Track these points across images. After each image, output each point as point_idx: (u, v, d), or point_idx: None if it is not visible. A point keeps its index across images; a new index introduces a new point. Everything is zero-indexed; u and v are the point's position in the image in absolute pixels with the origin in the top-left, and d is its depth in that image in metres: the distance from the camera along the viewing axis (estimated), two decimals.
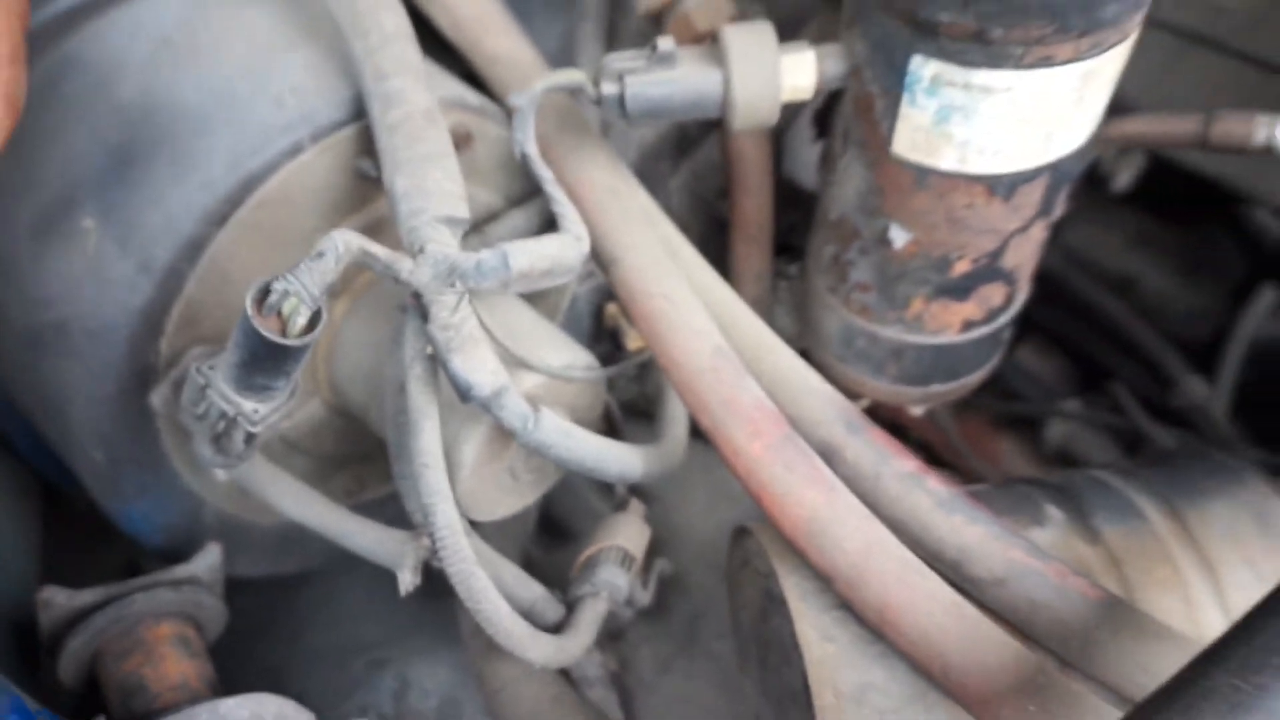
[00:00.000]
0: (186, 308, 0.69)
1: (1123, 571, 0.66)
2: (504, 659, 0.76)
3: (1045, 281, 1.23)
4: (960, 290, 0.76)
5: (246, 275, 0.70)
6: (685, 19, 0.79)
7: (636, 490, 0.91)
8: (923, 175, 0.67)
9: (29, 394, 0.77)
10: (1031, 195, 0.69)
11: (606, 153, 0.78)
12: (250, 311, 0.54)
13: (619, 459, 0.71)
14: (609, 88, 0.68)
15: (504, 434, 0.70)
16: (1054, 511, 0.69)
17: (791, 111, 0.80)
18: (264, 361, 0.57)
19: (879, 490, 0.64)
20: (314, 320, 0.55)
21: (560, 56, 0.98)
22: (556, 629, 0.75)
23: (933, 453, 1.31)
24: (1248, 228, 1.15)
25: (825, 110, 0.94)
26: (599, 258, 0.73)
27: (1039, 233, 0.74)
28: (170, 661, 0.68)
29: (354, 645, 0.94)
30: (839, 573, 0.60)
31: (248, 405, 0.60)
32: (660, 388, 0.87)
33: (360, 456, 0.91)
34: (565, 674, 0.80)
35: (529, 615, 0.72)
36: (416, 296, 0.63)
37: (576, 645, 0.71)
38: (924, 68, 0.61)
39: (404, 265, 0.61)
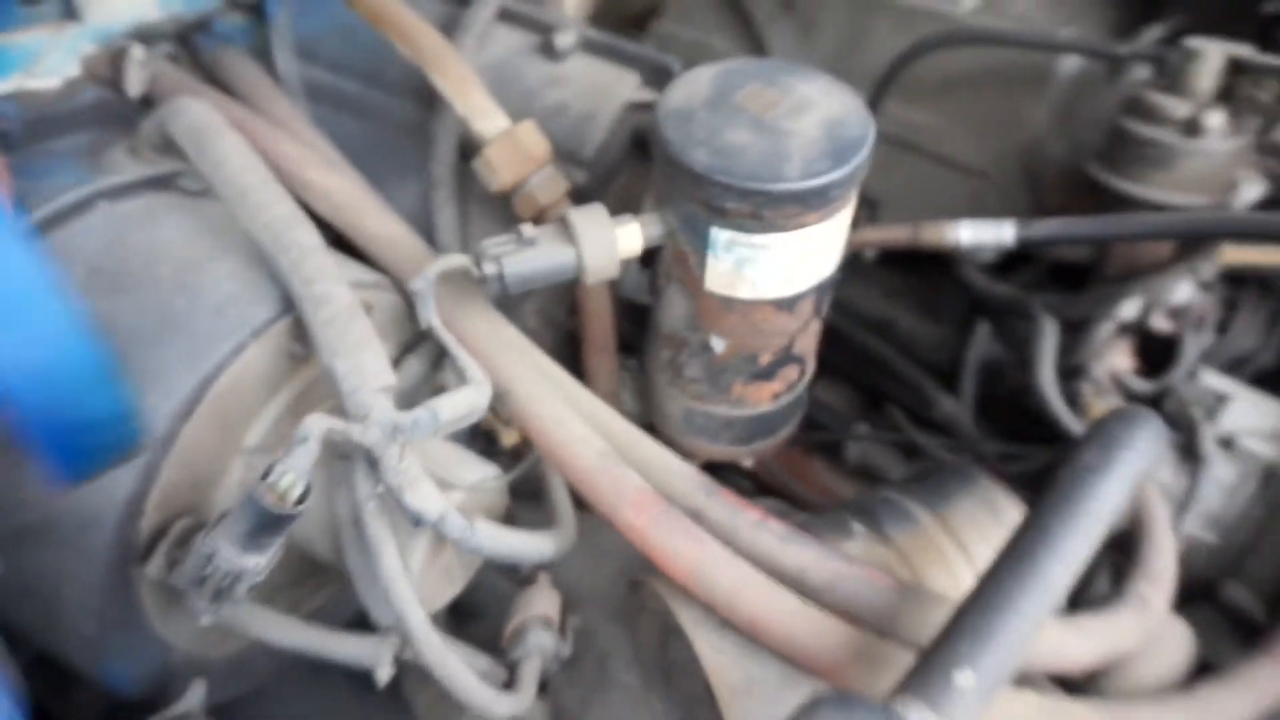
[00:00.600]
0: (162, 491, 0.82)
1: (910, 562, 0.93)
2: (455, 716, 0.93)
3: (829, 331, 1.55)
4: (767, 374, 1.01)
5: (207, 455, 0.85)
6: (530, 196, 1.00)
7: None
8: (729, 302, 0.92)
9: (8, 585, 0.87)
10: (806, 306, 0.95)
11: (482, 304, 0.98)
12: (262, 492, 0.70)
13: (536, 547, 0.91)
14: (489, 267, 0.88)
15: (440, 541, 0.89)
16: (858, 527, 0.96)
17: None
18: (267, 528, 0.73)
19: (736, 536, 0.87)
20: (305, 493, 0.72)
21: (417, 213, 1.16)
22: (503, 688, 0.93)
23: (759, 481, 1.58)
24: (961, 279, 1.50)
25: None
26: (494, 391, 0.93)
27: (815, 327, 1.00)
28: None
29: None
30: (718, 602, 0.83)
31: (250, 562, 0.75)
32: (546, 480, 1.07)
33: (291, 583, 1.05)
34: None
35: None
36: (366, 452, 0.81)
37: (526, 699, 0.90)
38: (720, 235, 0.86)
39: (355, 430, 0.79)
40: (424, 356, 1.01)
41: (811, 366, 1.09)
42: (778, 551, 0.86)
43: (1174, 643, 0.97)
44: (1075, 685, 0.91)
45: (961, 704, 0.65)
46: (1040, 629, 0.74)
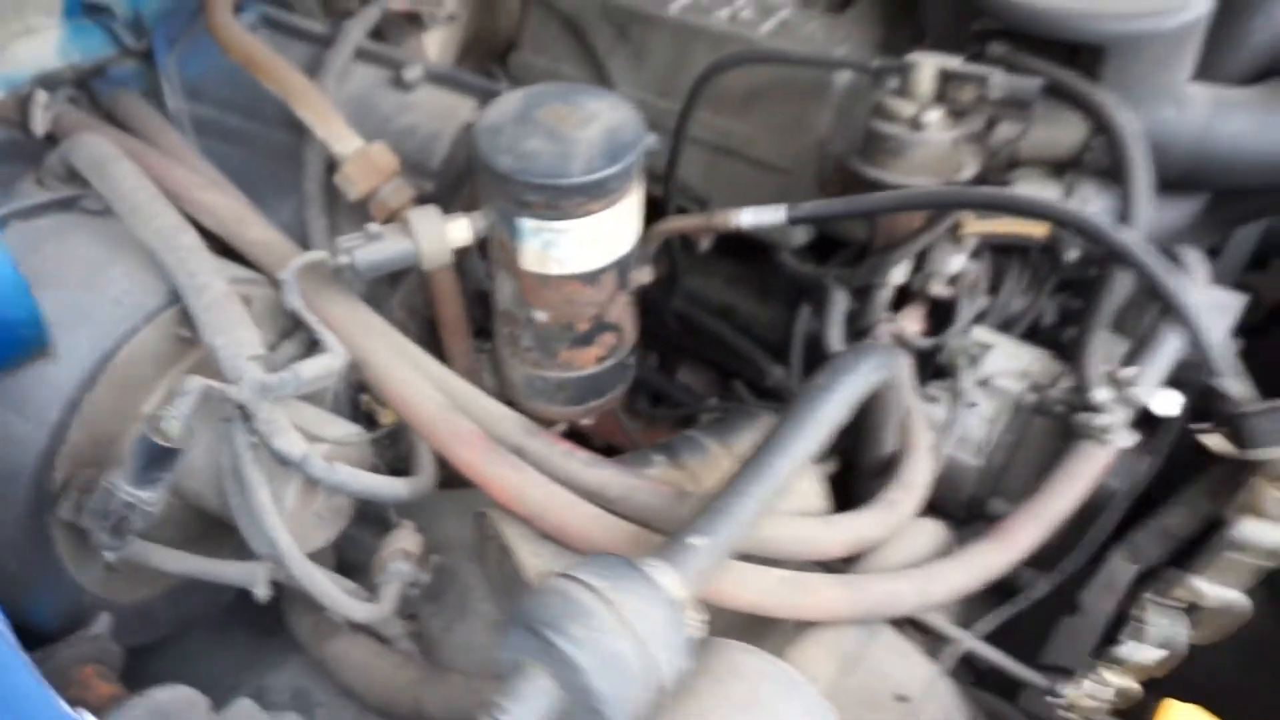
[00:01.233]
0: (70, 448, 1.00)
1: (698, 480, 1.15)
2: (335, 639, 1.12)
3: (681, 318, 1.77)
4: (586, 340, 1.23)
5: (108, 418, 1.03)
6: (382, 202, 1.21)
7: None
8: (543, 279, 1.13)
9: None
10: (609, 280, 1.17)
11: (344, 293, 1.18)
12: (148, 430, 0.89)
13: (390, 486, 1.11)
14: (343, 259, 1.08)
15: (310, 489, 1.08)
16: (658, 458, 1.18)
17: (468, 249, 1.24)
18: (155, 462, 0.92)
19: (550, 464, 1.08)
20: (184, 432, 0.91)
21: (294, 225, 1.35)
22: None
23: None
24: (781, 265, 1.74)
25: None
26: (354, 360, 1.13)
27: (622, 299, 1.22)
28: (98, 688, 0.98)
29: (212, 681, 1.24)
30: (533, 515, 1.04)
31: (144, 494, 0.94)
32: (411, 444, 1.27)
33: (185, 540, 1.23)
34: (380, 639, 1.17)
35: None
36: (241, 409, 1.00)
37: (383, 609, 1.10)
38: (526, 224, 1.07)
39: (231, 389, 0.98)
40: (298, 342, 1.21)
41: (631, 335, 1.31)
42: (583, 474, 1.08)
43: (921, 537, 1.21)
44: (835, 568, 1.14)
45: (692, 558, 0.87)
46: (769, 507, 0.96)
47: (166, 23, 1.38)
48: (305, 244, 1.30)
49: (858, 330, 1.49)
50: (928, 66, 1.26)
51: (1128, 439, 1.17)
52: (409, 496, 1.13)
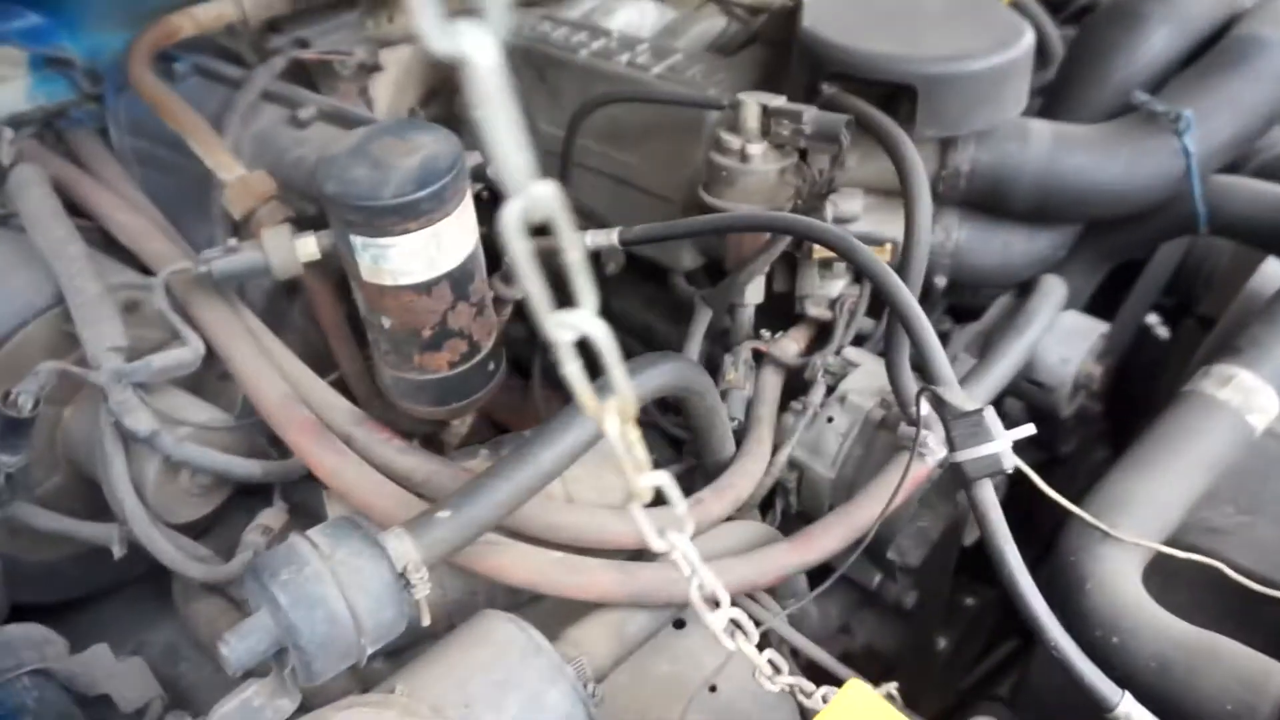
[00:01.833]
0: None
1: None
2: (198, 600, 1.28)
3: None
4: (434, 345, 1.37)
5: None
6: (259, 222, 1.39)
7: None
8: (381, 289, 1.29)
9: None
10: (444, 290, 1.31)
11: (216, 298, 1.35)
12: (3, 405, 1.07)
13: (243, 466, 1.28)
14: (203, 268, 1.26)
15: (174, 467, 1.25)
16: (483, 451, 1.31)
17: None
18: (12, 431, 1.10)
19: (372, 451, 1.23)
20: (35, 405, 1.10)
21: (212, 241, 1.55)
22: None
23: None
24: (673, 287, 1.85)
25: None
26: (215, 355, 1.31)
27: (466, 308, 1.36)
28: None
29: (120, 638, 1.42)
30: (346, 493, 1.19)
31: (5, 458, 1.12)
32: None
33: (90, 509, 1.42)
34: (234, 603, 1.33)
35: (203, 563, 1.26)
36: (102, 391, 1.18)
37: (222, 573, 1.25)
38: (356, 240, 1.23)
39: (90, 374, 1.17)
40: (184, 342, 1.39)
41: (487, 345, 1.45)
42: (396, 460, 1.22)
43: (732, 537, 1.30)
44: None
45: (433, 529, 1.00)
46: (531, 491, 1.08)
47: (117, 71, 1.61)
48: None
49: (726, 346, 1.60)
50: (752, 104, 1.38)
51: (941, 452, 1.25)
52: (262, 477, 1.29)
